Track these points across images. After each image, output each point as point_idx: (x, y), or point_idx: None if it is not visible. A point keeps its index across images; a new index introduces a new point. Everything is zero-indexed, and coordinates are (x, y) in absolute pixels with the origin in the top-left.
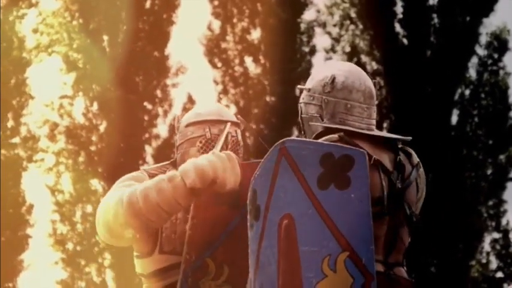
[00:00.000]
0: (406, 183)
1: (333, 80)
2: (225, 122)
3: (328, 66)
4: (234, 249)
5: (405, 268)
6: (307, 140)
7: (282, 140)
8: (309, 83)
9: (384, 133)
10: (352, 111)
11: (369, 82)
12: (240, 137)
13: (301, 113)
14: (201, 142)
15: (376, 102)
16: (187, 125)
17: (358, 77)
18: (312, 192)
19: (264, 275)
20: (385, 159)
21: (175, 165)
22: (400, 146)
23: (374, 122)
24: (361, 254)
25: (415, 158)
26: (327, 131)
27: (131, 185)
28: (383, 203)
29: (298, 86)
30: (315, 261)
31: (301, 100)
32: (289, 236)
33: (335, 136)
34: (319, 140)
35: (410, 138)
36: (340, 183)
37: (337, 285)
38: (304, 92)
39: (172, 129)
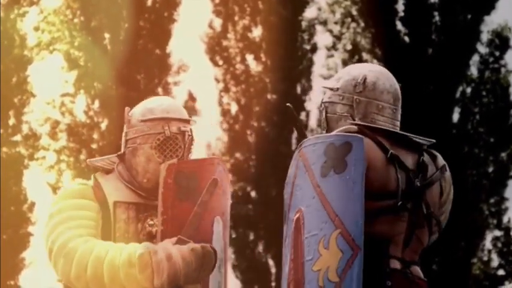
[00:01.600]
0: (426, 183)
1: (365, 80)
2: (183, 120)
3: (357, 67)
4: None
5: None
6: (320, 135)
7: (301, 142)
8: (336, 83)
9: (409, 134)
10: (383, 112)
11: (397, 84)
12: (193, 134)
13: (327, 112)
14: (158, 140)
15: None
16: (144, 120)
17: (388, 78)
18: (316, 181)
19: (284, 272)
20: (407, 157)
21: (123, 158)
22: (425, 147)
23: (399, 124)
24: (351, 230)
25: (441, 161)
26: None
27: (74, 218)
28: (397, 197)
29: (324, 86)
30: (314, 245)
31: (326, 99)
32: (298, 227)
33: (354, 127)
34: (334, 132)
35: (434, 141)
36: (339, 168)
37: (329, 261)
38: (330, 92)
39: (127, 123)
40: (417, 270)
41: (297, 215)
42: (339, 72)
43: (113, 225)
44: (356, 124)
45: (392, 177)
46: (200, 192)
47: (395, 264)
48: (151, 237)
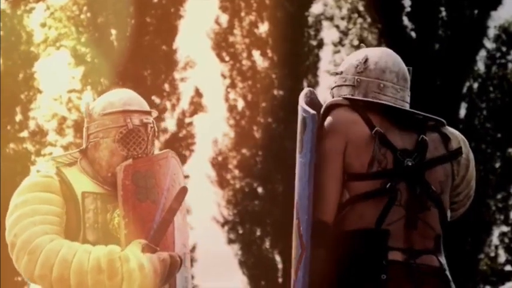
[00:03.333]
0: (424, 163)
1: (366, 60)
2: (144, 112)
3: (362, 50)
4: (161, 244)
5: (439, 255)
6: (300, 100)
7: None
8: (341, 67)
9: (411, 110)
10: (385, 91)
11: (403, 65)
12: (155, 126)
13: (333, 97)
14: (121, 133)
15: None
16: (106, 114)
17: (391, 58)
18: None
19: None
20: (402, 136)
21: (85, 153)
22: (443, 129)
23: (407, 105)
24: (301, 223)
25: (455, 143)
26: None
27: (39, 212)
28: (377, 177)
29: (331, 71)
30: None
31: (332, 85)
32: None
33: (339, 99)
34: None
35: (443, 120)
36: (299, 148)
37: (293, 252)
38: (336, 77)
39: (88, 117)
40: (431, 259)
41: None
42: (346, 57)
43: (82, 216)
44: (347, 98)
45: (367, 156)
46: (158, 190)
47: (396, 256)
48: (120, 228)
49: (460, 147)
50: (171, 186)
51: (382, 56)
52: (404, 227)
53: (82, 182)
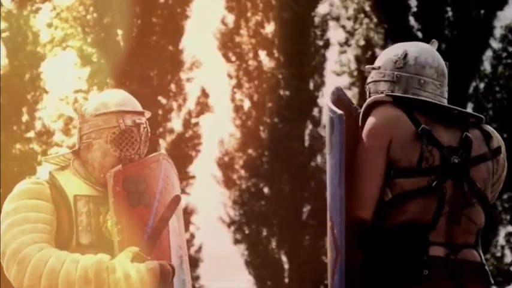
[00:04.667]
0: (470, 160)
1: (405, 55)
2: (137, 113)
3: (400, 44)
4: (156, 249)
5: (478, 250)
6: (327, 99)
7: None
8: (378, 62)
9: (455, 107)
10: (425, 87)
11: (442, 60)
12: (148, 127)
13: (370, 93)
14: (114, 133)
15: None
16: (98, 115)
17: (431, 54)
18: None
19: None
20: (447, 133)
21: (78, 154)
22: (483, 126)
23: (446, 101)
24: (335, 226)
25: (496, 142)
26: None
27: (29, 220)
28: (424, 174)
29: (367, 66)
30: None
31: (369, 80)
32: None
33: (382, 96)
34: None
35: (482, 116)
36: (328, 148)
37: (329, 256)
38: (373, 72)
39: (81, 118)
40: (472, 253)
41: None
42: (382, 52)
43: (75, 219)
44: (390, 95)
45: (415, 154)
46: (151, 194)
47: (437, 251)
48: (113, 234)
49: (500, 146)
50: (164, 189)
51: (422, 51)
52: (446, 223)
53: (74, 185)
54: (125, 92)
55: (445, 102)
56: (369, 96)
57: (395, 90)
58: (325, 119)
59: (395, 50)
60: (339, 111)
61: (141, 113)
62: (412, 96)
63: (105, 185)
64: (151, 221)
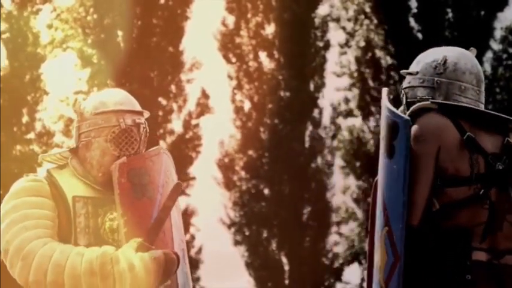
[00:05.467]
0: None
1: (445, 61)
2: (136, 112)
3: (437, 50)
4: (160, 241)
5: None
6: (385, 101)
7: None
8: (415, 67)
9: (496, 113)
10: (466, 93)
11: (479, 66)
12: (147, 127)
13: (407, 98)
14: (114, 132)
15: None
16: (98, 113)
17: (470, 59)
18: (380, 156)
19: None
20: (489, 140)
21: (76, 152)
22: None
23: (483, 107)
24: (394, 232)
25: None
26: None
27: (31, 217)
28: (471, 183)
29: (402, 71)
30: (377, 230)
31: (405, 85)
32: (375, 192)
33: (427, 103)
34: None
35: None
36: (388, 152)
37: (381, 260)
38: (409, 77)
39: (80, 116)
40: None
41: (376, 178)
42: (418, 56)
43: (73, 220)
44: (435, 102)
45: (466, 161)
46: (154, 187)
47: (480, 256)
48: (112, 232)
49: None
50: (165, 182)
51: (461, 57)
52: (489, 229)
53: (73, 186)
54: (124, 91)
55: (483, 108)
56: (405, 102)
57: (436, 97)
58: (325, 120)
59: (434, 55)
60: (405, 117)
61: (141, 113)
62: (458, 104)
63: (103, 183)
64: (155, 213)
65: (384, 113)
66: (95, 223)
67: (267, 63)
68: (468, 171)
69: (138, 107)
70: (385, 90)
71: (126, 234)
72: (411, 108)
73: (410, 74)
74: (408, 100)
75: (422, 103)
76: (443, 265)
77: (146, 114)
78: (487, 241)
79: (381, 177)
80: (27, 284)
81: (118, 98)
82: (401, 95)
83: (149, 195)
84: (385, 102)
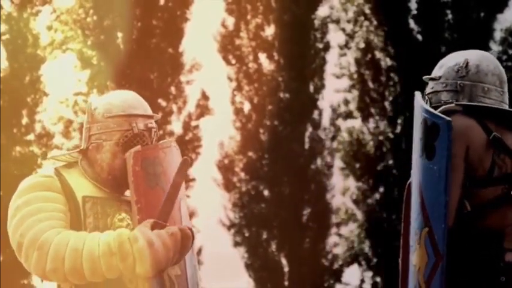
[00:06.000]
0: None
1: (467, 64)
2: (148, 116)
3: (458, 53)
4: (170, 221)
5: None
6: (421, 103)
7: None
8: (438, 72)
9: None
10: (489, 95)
11: (501, 67)
12: (157, 131)
13: (431, 103)
14: (126, 136)
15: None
16: (110, 117)
17: (491, 61)
18: (417, 156)
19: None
20: None
21: (85, 154)
22: None
23: (507, 107)
24: (436, 232)
25: None
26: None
27: (44, 210)
28: (499, 183)
29: (425, 77)
30: (412, 231)
31: (428, 91)
32: (408, 195)
33: (452, 105)
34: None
35: None
36: (429, 153)
37: (420, 261)
38: (432, 82)
39: (90, 117)
40: None
41: (410, 180)
42: (440, 62)
43: (83, 220)
44: (459, 104)
45: (487, 162)
46: (165, 178)
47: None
48: (133, 213)
49: None
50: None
51: (482, 59)
52: None
53: (82, 186)
54: (136, 94)
55: (506, 108)
56: (430, 106)
57: (460, 99)
58: (325, 121)
59: (455, 59)
60: (447, 118)
61: (152, 117)
62: (482, 104)
63: (113, 186)
64: None
65: (421, 114)
66: (104, 223)
67: (267, 65)
68: (496, 172)
69: (150, 111)
70: (418, 93)
71: (139, 221)
72: (439, 110)
73: (433, 79)
74: (432, 105)
75: (447, 106)
76: (476, 266)
77: (157, 117)
78: None
79: (417, 179)
80: (45, 274)
81: (130, 101)
82: (425, 101)
83: (162, 185)
84: (421, 103)
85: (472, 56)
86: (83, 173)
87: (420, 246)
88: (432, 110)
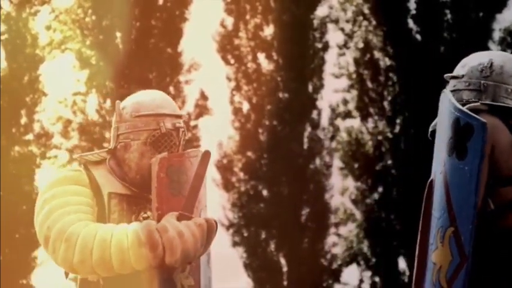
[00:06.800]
0: None
1: (491, 64)
2: (176, 116)
3: (482, 53)
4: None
5: None
6: (453, 102)
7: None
8: (461, 70)
9: None
10: None
11: None
12: (185, 130)
13: None
14: (154, 136)
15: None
16: (138, 116)
17: None
18: (444, 156)
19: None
20: None
21: (114, 153)
22: None
23: None
24: (462, 233)
25: None
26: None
27: (71, 203)
28: None
29: (446, 75)
30: (434, 229)
31: (450, 89)
32: (429, 193)
33: (478, 104)
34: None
35: None
36: (460, 153)
37: (443, 259)
38: (454, 81)
39: (119, 117)
40: None
41: (431, 178)
42: (462, 60)
43: (108, 216)
44: (485, 104)
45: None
46: (188, 187)
47: None
48: (153, 220)
49: None
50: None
51: (507, 60)
52: None
53: (109, 182)
54: (164, 94)
55: None
56: None
57: (483, 99)
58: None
59: (479, 58)
60: (482, 119)
61: (180, 117)
62: (506, 105)
63: (140, 185)
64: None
65: (452, 113)
66: (128, 220)
67: (266, 65)
68: None
69: (177, 111)
70: (448, 92)
71: None
72: (465, 107)
73: (455, 77)
74: None
75: (472, 104)
76: (497, 265)
77: (185, 117)
78: None
79: (443, 177)
80: (72, 266)
81: (158, 100)
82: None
83: (184, 194)
84: (454, 102)
85: (497, 56)
86: (111, 172)
87: (444, 245)
88: (466, 110)
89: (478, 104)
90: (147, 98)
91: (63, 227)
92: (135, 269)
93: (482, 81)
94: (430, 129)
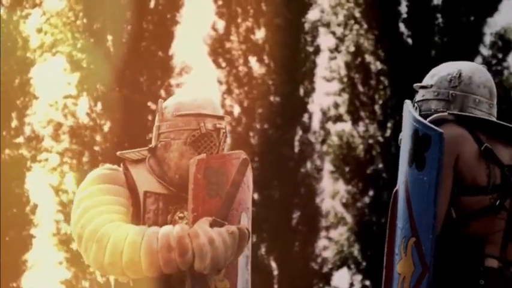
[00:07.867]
0: None
1: (460, 74)
2: (217, 117)
3: (451, 64)
4: (228, 221)
5: None
6: (413, 112)
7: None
8: (429, 80)
9: (510, 125)
10: (480, 107)
11: (492, 81)
12: (227, 132)
13: (421, 111)
14: (194, 136)
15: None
16: (179, 115)
17: (484, 73)
18: (405, 167)
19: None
20: (504, 152)
21: (154, 152)
22: None
23: (495, 120)
24: (423, 243)
25: None
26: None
27: (105, 203)
28: (487, 193)
29: (415, 85)
30: (399, 240)
31: (419, 98)
32: (394, 203)
33: (445, 114)
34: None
35: None
36: (419, 163)
37: (406, 270)
38: (423, 90)
39: (161, 116)
40: None
41: (396, 189)
42: (431, 70)
43: (142, 215)
44: (452, 114)
45: (482, 173)
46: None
47: (492, 263)
48: (188, 222)
49: None
50: (240, 187)
51: (475, 70)
52: (502, 239)
53: (146, 181)
54: (207, 96)
55: (495, 120)
56: (419, 113)
57: (451, 109)
58: (315, 125)
59: (448, 69)
60: (439, 130)
61: (221, 118)
62: (474, 115)
63: (179, 185)
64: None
65: (411, 124)
66: (163, 220)
67: (257, 68)
68: (485, 182)
69: (219, 112)
70: (409, 102)
71: None
72: (427, 120)
73: (424, 87)
74: (422, 113)
75: (439, 114)
76: (458, 272)
77: (227, 118)
78: (499, 250)
79: (405, 188)
80: (103, 267)
81: (199, 100)
82: (415, 108)
83: (223, 195)
84: (413, 113)
85: (465, 67)
86: (150, 171)
87: (406, 255)
88: (424, 120)
89: (446, 114)
90: (189, 98)
91: (95, 228)
92: (164, 272)
93: (450, 91)
94: (399, 137)
